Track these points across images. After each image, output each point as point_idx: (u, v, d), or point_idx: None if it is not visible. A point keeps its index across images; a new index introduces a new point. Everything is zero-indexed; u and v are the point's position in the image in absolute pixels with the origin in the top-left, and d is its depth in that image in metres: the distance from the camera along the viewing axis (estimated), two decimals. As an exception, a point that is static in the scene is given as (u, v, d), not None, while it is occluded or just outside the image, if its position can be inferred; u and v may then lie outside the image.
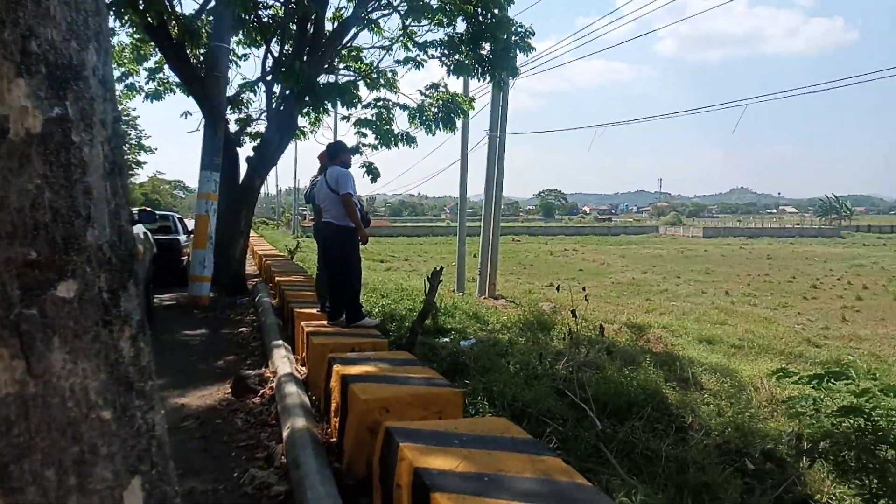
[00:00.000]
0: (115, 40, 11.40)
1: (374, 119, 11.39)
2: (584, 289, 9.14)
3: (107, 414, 1.01)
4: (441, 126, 11.06)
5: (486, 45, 9.91)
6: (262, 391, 4.75)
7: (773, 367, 7.30)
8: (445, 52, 10.31)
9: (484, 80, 10.78)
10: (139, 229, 7.80)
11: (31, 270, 0.90)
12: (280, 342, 5.78)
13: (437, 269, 6.02)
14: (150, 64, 11.96)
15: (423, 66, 10.99)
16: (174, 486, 1.20)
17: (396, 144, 11.30)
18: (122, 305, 1.04)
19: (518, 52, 9.99)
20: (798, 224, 75.84)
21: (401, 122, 11.12)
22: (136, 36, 11.18)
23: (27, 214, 0.90)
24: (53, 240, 0.92)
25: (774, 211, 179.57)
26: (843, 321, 13.85)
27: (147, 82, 12.11)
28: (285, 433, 3.57)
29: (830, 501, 3.57)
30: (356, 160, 11.41)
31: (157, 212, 14.88)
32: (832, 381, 3.75)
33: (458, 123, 11.84)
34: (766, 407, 5.47)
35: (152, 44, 10.55)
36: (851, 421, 3.56)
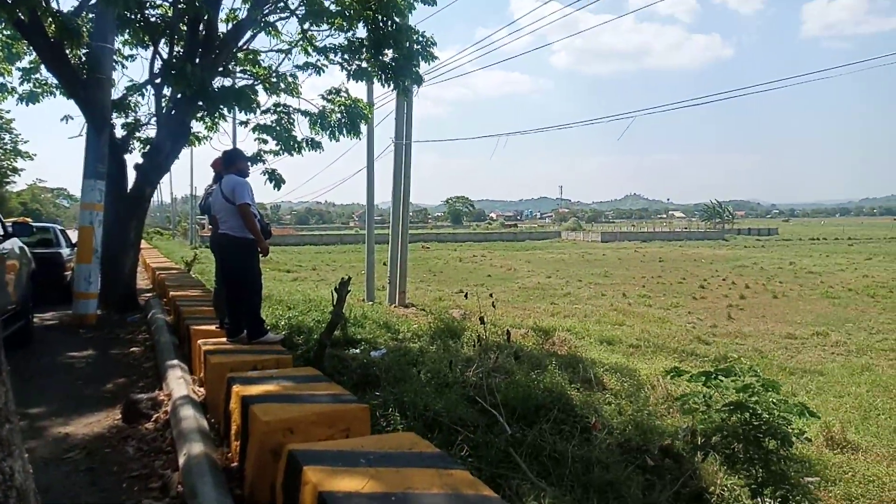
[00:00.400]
0: (-20, 37, 10.40)
1: (275, 125, 11.06)
2: (491, 295, 9.30)
3: (-52, 470, 0.88)
4: (346, 132, 10.92)
5: (389, 53, 9.90)
6: (155, 416, 4.45)
7: (667, 365, 7.74)
8: (346, 57, 10.19)
9: (388, 87, 10.76)
10: (14, 243, 7.14)
11: None
12: (175, 362, 5.46)
13: (345, 279, 5.90)
14: (24, 63, 10.99)
15: (324, 72, 10.83)
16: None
17: (299, 151, 11.02)
18: (-31, 347, 0.91)
19: (421, 60, 10.04)
20: (686, 228, 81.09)
21: (303, 128, 10.91)
22: (5, 32, 10.24)
23: None
24: None
25: (665, 216, 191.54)
26: (728, 319, 14.91)
27: (21, 83, 11.12)
28: (181, 460, 3.36)
29: (723, 492, 3.80)
30: (257, 167, 11.05)
31: (37, 223, 13.72)
32: (720, 377, 4.00)
33: (363, 129, 11.73)
34: (662, 404, 5.77)
35: (25, 41, 9.70)
36: (739, 415, 3.81)
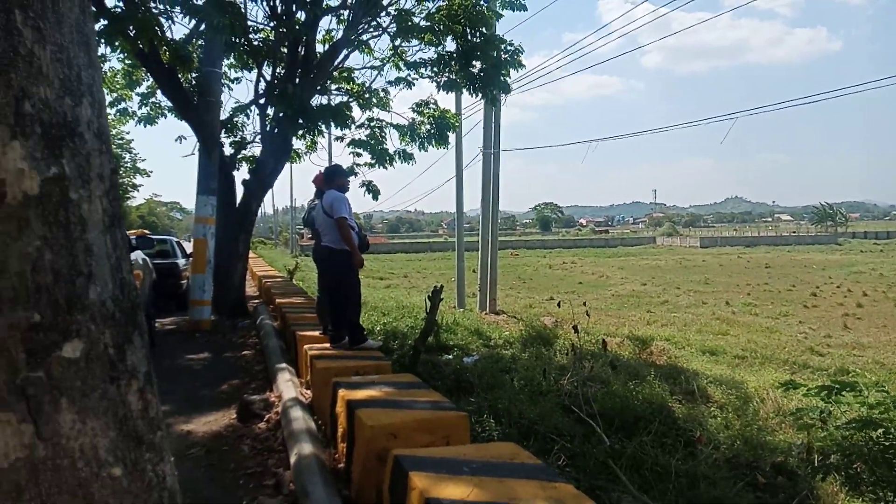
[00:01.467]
0: (106, 66, 11.43)
1: (368, 139, 11.43)
2: (584, 303, 9.13)
3: (117, 471, 0.99)
4: (434, 142, 11.11)
5: (477, 64, 9.98)
6: (267, 416, 4.70)
7: (778, 376, 7.28)
8: (436, 70, 10.37)
9: (476, 97, 10.84)
10: (138, 255, 7.79)
11: (35, 334, 0.88)
12: (284, 365, 5.74)
13: (438, 287, 6.00)
14: (142, 89, 11.99)
15: (414, 85, 11.07)
16: (185, 535, 1.18)
17: (391, 163, 11.32)
18: (128, 359, 1.02)
19: (509, 69, 10.06)
20: (794, 232, 75.97)
21: (394, 141, 11.30)
22: (127, 62, 11.22)
23: (28, 278, 0.88)
24: (56, 301, 0.90)
25: (770, 219, 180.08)
26: (844, 329, 13.81)
27: (140, 107, 12.14)
28: (293, 459, 3.53)
29: (844, 516, 3.53)
30: (354, 180, 11.45)
31: (156, 236, 14.87)
32: (841, 392, 3.72)
33: (451, 138, 11.90)
34: (773, 419, 5.43)
35: (144, 69, 10.58)
36: (863, 433, 3.53)
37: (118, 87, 11.82)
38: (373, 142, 11.35)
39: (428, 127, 11.18)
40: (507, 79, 10.25)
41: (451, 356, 6.77)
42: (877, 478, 3.43)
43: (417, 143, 11.12)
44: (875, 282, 23.24)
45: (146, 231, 19.27)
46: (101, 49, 9.72)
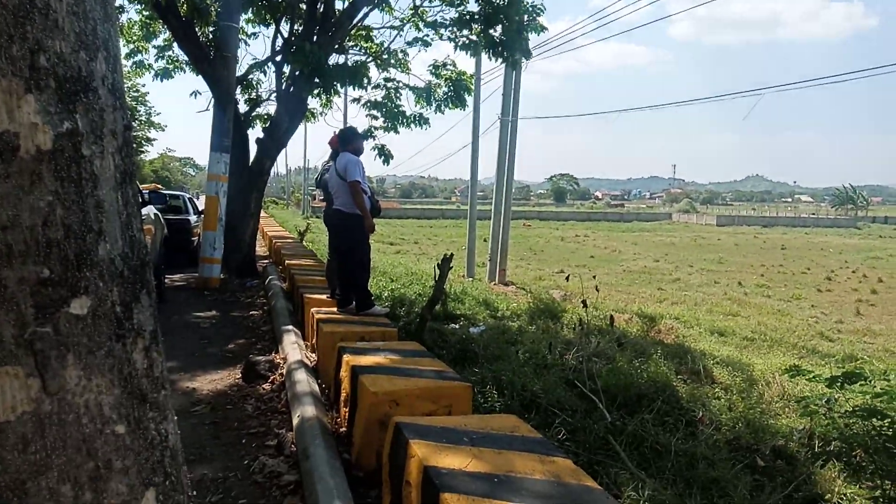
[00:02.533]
0: (123, 17, 11.35)
1: (385, 101, 11.31)
2: (594, 277, 9.11)
3: (121, 428, 1.00)
4: (451, 104, 10.98)
5: (499, 28, 9.78)
6: (272, 377, 4.77)
7: (785, 360, 7.26)
8: (456, 30, 10.17)
9: (497, 62, 10.67)
10: (150, 210, 7.84)
11: (44, 289, 0.88)
12: (290, 328, 5.80)
13: (448, 255, 5.99)
14: (159, 42, 11.90)
15: (431, 45, 10.92)
16: (187, 493, 1.20)
17: (408, 126, 11.24)
18: (135, 318, 1.02)
19: (531, 32, 9.86)
20: (814, 214, 74.89)
21: (411, 103, 11.22)
22: (144, 13, 11.12)
23: (39, 232, 0.88)
24: (66, 257, 0.90)
25: (790, 200, 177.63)
26: (857, 315, 13.70)
27: (156, 60, 12.07)
28: (295, 421, 3.59)
29: (841, 502, 3.54)
30: (368, 143, 11.39)
31: (168, 192, 14.96)
32: (849, 383, 3.71)
33: (469, 101, 11.77)
34: (777, 403, 5.43)
35: (161, 21, 10.48)
36: (865, 422, 3.52)
37: (135, 38, 11.74)
38: (389, 103, 11.23)
39: (445, 89, 11.05)
40: (528, 43, 10.06)
41: (457, 326, 6.80)
42: (876, 466, 3.44)
43: (434, 106, 11.00)
44: (892, 268, 22.96)
45: (159, 186, 19.36)
46: (119, 0, 9.64)
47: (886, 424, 3.42)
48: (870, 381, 3.75)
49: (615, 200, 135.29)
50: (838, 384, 3.72)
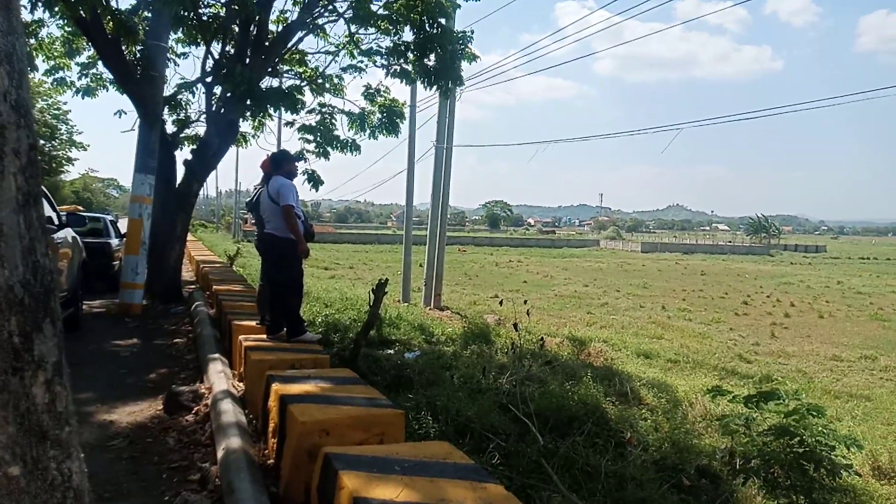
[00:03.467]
0: (44, 32, 10.83)
1: (318, 125, 11.21)
2: (525, 301, 9.25)
3: (15, 470, 0.92)
4: (385, 131, 11.01)
5: (433, 57, 9.93)
6: (196, 408, 4.55)
7: (707, 381, 7.57)
8: (390, 59, 10.26)
9: (431, 90, 10.80)
10: (68, 233, 7.42)
11: (-72, 318, 0.81)
12: (217, 356, 5.57)
13: (382, 280, 5.94)
14: (82, 58, 11.38)
15: (365, 72, 10.96)
16: (93, 536, 1.11)
17: (342, 150, 11.15)
18: (36, 349, 0.95)
19: (463, 61, 10.06)
20: (730, 242, 79.06)
21: (345, 129, 11.16)
22: (67, 28, 10.65)
23: None
24: (-45, 284, 0.83)
25: (708, 228, 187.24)
26: (772, 337, 14.50)
27: (79, 77, 11.53)
28: (220, 454, 3.43)
29: (760, 518, 3.69)
30: (300, 165, 11.21)
31: (89, 214, 14.21)
32: (764, 402, 3.89)
33: (404, 128, 11.83)
34: (700, 423, 5.64)
35: (85, 38, 10.07)
36: (782, 440, 3.69)
37: (56, 54, 11.19)
38: (322, 128, 11.14)
39: (379, 115, 11.07)
40: (461, 71, 10.24)
41: (392, 351, 6.73)
42: (791, 482, 3.61)
43: (368, 133, 11.00)
44: (802, 293, 24.47)
45: (79, 207, 18.39)
46: (39, 13, 9.20)
47: (797, 443, 3.60)
48: (784, 401, 3.95)
49: (547, 227, 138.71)
50: (754, 403, 3.90)
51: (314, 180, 10.88)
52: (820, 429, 3.60)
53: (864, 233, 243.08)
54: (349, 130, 11.09)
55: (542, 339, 7.49)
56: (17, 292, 0.91)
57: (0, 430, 0.89)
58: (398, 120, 11.10)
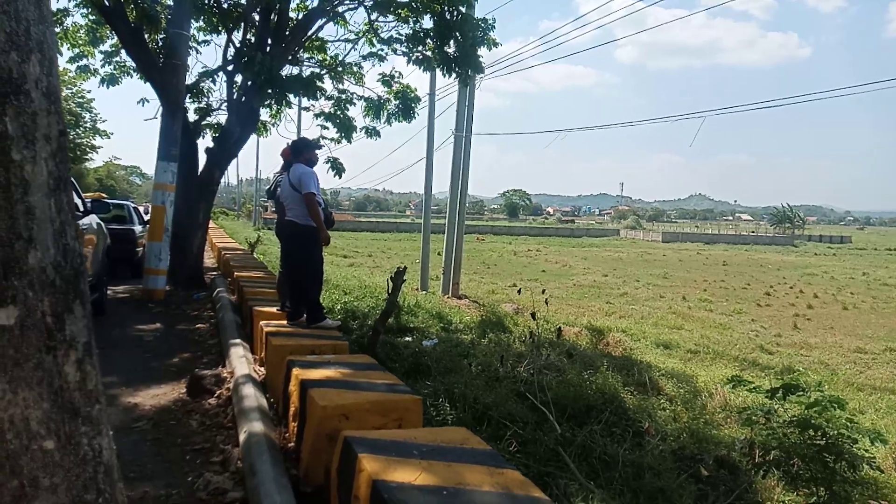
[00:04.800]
0: (69, 20, 10.97)
1: (337, 112, 11.25)
2: (544, 291, 9.24)
3: (50, 444, 0.95)
4: (400, 117, 11.02)
5: (452, 44, 9.88)
6: (218, 392, 4.63)
7: (727, 373, 7.50)
8: (410, 46, 10.23)
9: (450, 77, 10.77)
10: (92, 219, 7.55)
11: (-33, 298, 0.84)
12: (238, 341, 5.65)
13: (401, 268, 5.97)
14: (106, 47, 11.51)
15: (385, 59, 10.96)
16: (122, 510, 1.15)
17: (368, 135, 11.22)
18: (68, 329, 0.98)
19: (483, 48, 9.99)
20: (753, 232, 77.97)
21: (358, 116, 11.26)
22: (91, 17, 10.77)
23: None
24: (-9, 265, 0.86)
25: (731, 218, 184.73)
26: (794, 329, 14.32)
27: (103, 65, 11.67)
28: (242, 437, 3.49)
29: (779, 509, 3.67)
30: (320, 154, 11.27)
31: (113, 200, 14.43)
32: (788, 394, 3.86)
33: (422, 114, 11.86)
34: (720, 413, 5.60)
35: (108, 26, 10.18)
36: (804, 433, 3.66)
37: (80, 42, 11.33)
38: (340, 115, 11.18)
39: (395, 102, 11.09)
40: (481, 59, 10.18)
41: (410, 339, 6.77)
42: (811, 475, 3.58)
43: (383, 119, 11.02)
44: (826, 284, 24.10)
45: (102, 195, 18.67)
46: (65, 2, 9.33)
47: (819, 435, 3.57)
48: (806, 393, 3.91)
49: (566, 216, 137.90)
50: (778, 396, 3.87)
51: (337, 168, 10.94)
52: (843, 421, 3.56)
53: (891, 223, 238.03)
54: (365, 118, 11.14)
55: (558, 328, 7.48)
56: (49, 274, 0.94)
57: (35, 406, 0.92)
58: (412, 104, 11.10)
